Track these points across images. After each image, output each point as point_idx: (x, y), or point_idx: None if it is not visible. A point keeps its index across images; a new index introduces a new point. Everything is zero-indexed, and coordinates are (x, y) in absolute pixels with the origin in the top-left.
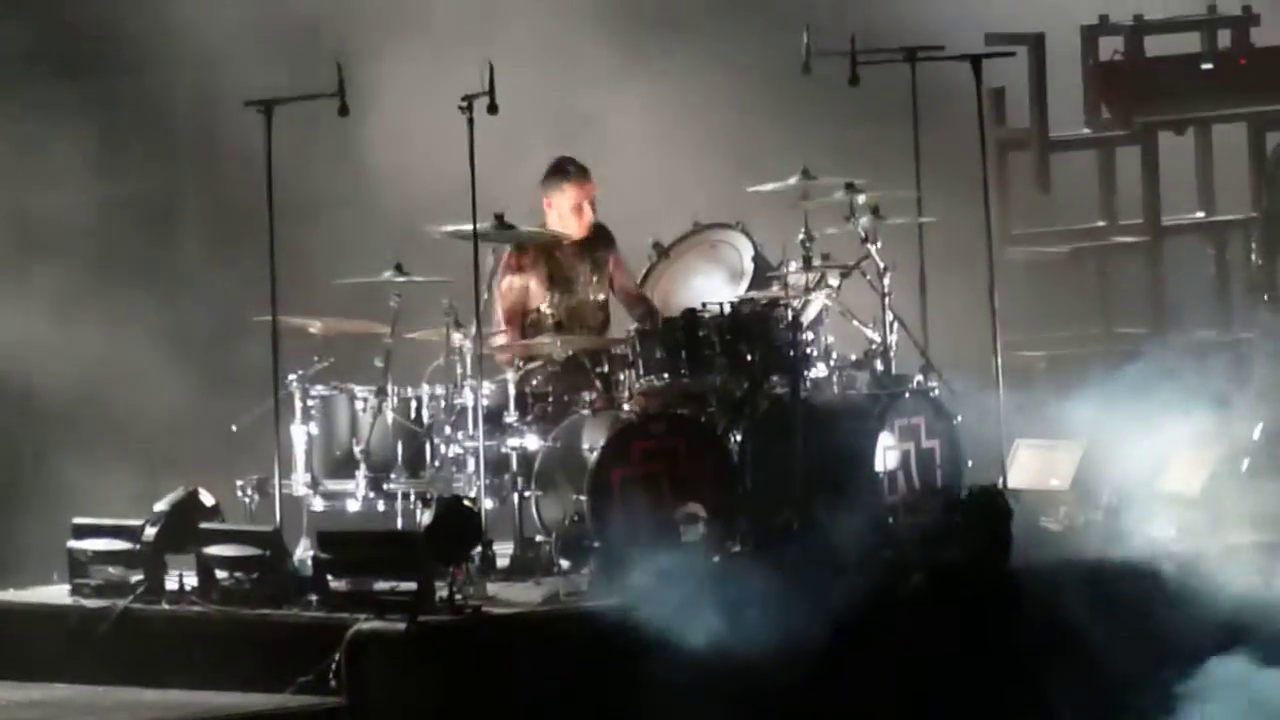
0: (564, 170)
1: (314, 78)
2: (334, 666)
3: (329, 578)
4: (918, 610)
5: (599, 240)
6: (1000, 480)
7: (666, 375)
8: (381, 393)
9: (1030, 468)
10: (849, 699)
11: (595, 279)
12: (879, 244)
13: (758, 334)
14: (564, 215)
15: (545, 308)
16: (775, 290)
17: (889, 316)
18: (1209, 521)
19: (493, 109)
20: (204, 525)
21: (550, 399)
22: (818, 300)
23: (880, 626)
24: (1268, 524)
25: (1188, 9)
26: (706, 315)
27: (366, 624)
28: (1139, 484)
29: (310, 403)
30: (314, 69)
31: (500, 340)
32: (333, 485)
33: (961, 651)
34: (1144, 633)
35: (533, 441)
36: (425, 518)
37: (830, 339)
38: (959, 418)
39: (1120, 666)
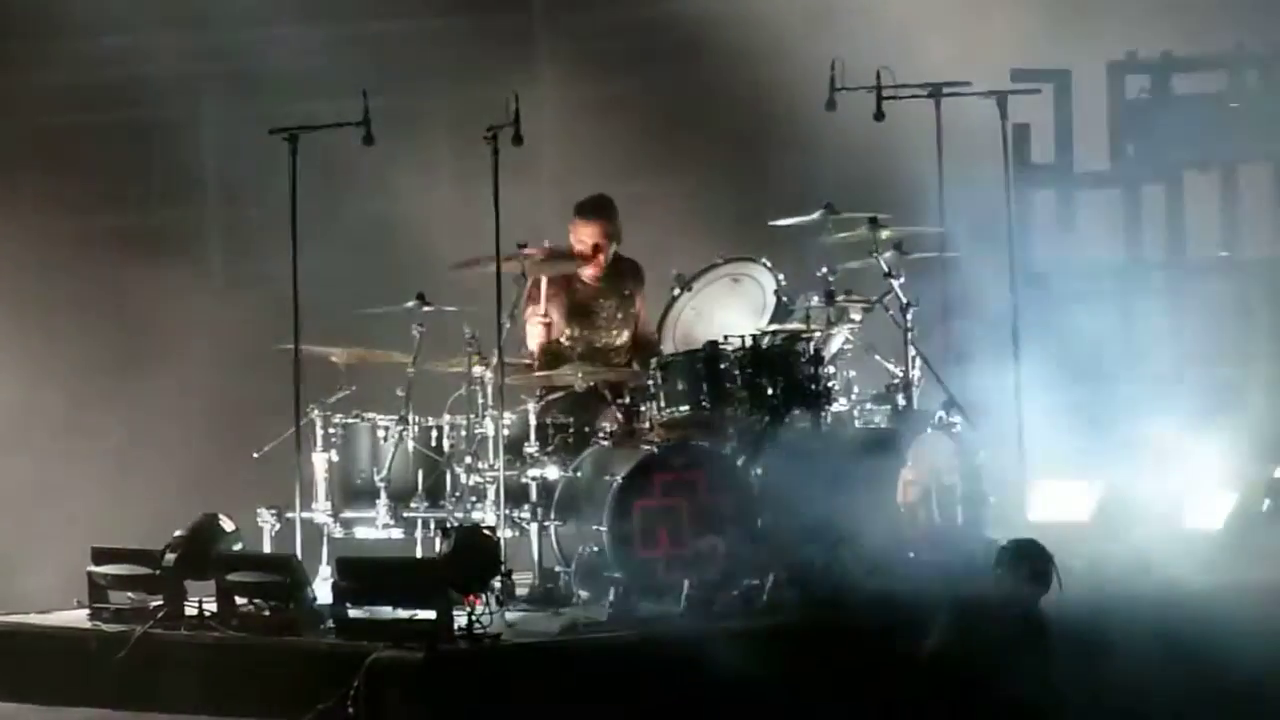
0: (579, 209)
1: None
2: (352, 694)
3: (348, 605)
4: (941, 649)
5: (626, 275)
6: (1023, 516)
7: (688, 407)
8: (403, 421)
9: (1051, 505)
10: None
11: (620, 315)
12: (902, 279)
13: (779, 367)
14: (579, 251)
15: (565, 340)
16: (797, 324)
17: (911, 352)
18: (1230, 559)
19: (518, 140)
20: (224, 551)
21: (571, 429)
22: (839, 335)
23: (901, 665)
24: None
25: (1215, 47)
26: (728, 348)
27: (385, 652)
28: (1160, 522)
29: (331, 431)
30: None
31: (523, 363)
32: (353, 513)
33: (988, 688)
34: (1167, 671)
35: (553, 472)
36: (444, 547)
37: (852, 374)
38: (981, 454)
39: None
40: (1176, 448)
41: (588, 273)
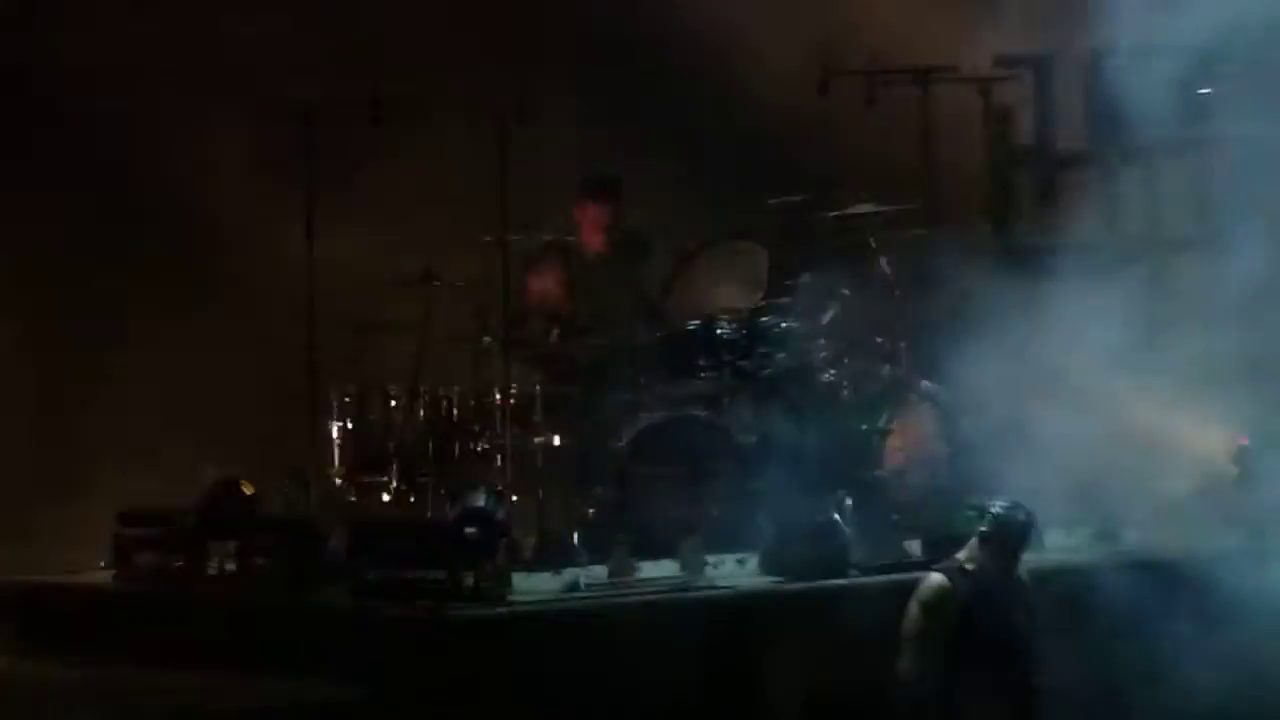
0: (584, 188)
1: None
2: (364, 654)
3: (361, 567)
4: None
5: (632, 250)
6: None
7: (686, 378)
8: (414, 391)
9: (1031, 474)
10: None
11: (624, 283)
12: (890, 256)
13: (773, 341)
14: (584, 227)
15: (566, 313)
16: (790, 299)
17: (898, 325)
18: (1198, 525)
19: (524, 120)
20: (243, 514)
21: (576, 398)
22: (831, 309)
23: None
24: (1252, 529)
25: (1193, 34)
26: (724, 322)
27: (396, 613)
28: (1130, 487)
29: (346, 399)
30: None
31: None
32: (366, 478)
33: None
34: (1138, 634)
35: (558, 439)
36: (454, 510)
37: (841, 346)
38: (965, 421)
39: (1111, 667)
40: (1149, 417)
41: (593, 243)
